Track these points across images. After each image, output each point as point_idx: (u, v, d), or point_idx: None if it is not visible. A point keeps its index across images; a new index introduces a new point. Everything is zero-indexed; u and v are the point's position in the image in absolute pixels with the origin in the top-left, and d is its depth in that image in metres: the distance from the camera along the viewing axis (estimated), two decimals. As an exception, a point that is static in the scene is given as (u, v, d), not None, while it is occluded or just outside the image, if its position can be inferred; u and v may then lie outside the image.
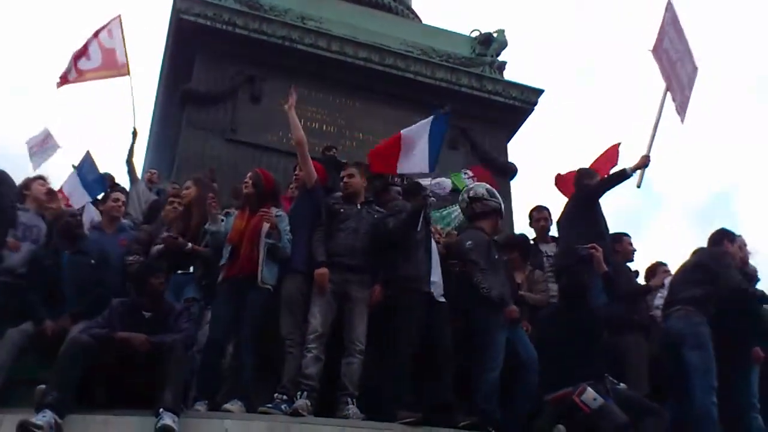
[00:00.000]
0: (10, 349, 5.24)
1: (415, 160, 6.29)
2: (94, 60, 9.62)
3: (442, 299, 5.90)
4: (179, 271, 5.99)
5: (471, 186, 6.73)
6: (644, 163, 6.97)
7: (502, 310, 5.87)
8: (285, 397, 5.27)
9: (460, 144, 10.53)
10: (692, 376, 5.81)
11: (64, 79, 9.70)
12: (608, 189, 7.16)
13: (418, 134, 6.32)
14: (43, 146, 10.44)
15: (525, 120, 11.29)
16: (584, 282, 6.15)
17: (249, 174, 6.16)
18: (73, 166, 8.56)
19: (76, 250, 6.03)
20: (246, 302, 5.56)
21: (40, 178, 6.72)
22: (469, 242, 6.10)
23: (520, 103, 11.05)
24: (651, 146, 7.03)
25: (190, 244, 6.01)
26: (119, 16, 9.77)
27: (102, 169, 8.68)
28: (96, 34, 9.74)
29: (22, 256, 6.01)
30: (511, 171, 10.72)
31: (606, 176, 7.45)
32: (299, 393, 5.25)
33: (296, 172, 6.59)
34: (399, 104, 10.16)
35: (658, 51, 7.22)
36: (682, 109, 7.28)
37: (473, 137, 10.63)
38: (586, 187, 7.24)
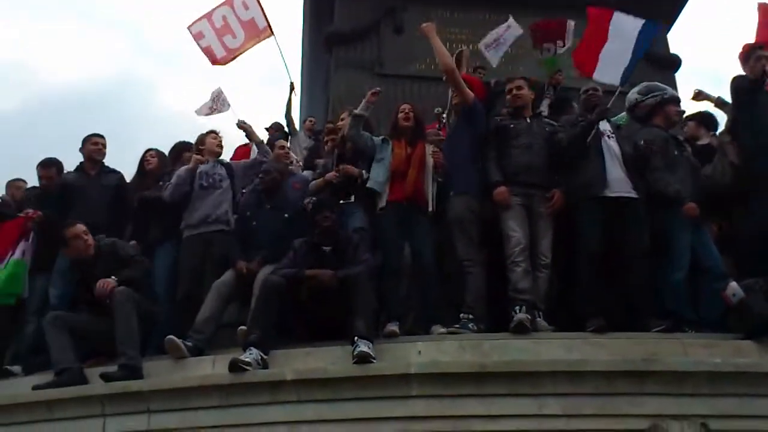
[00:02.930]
0: (216, 299, 5.60)
1: (612, 69, 6.03)
2: (239, 37, 9.55)
3: (633, 194, 5.62)
4: (341, 201, 6.03)
5: (628, 97, 6.43)
6: None
7: (681, 207, 5.58)
8: (471, 316, 5.33)
9: (616, 42, 9.96)
10: None
11: (215, 60, 9.62)
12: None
13: (623, 41, 6.03)
14: (216, 105, 10.62)
15: (683, 7, 10.49)
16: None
17: (404, 106, 6.20)
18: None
19: (273, 205, 6.21)
20: (415, 228, 5.66)
21: (213, 132, 7.05)
22: (642, 141, 5.83)
23: (677, -11, 10.29)
24: None
25: (364, 172, 6.04)
26: None
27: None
28: (232, 7, 9.65)
29: (210, 206, 6.32)
30: (674, 63, 10.05)
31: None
32: (517, 307, 5.19)
33: (452, 97, 6.52)
34: (545, 11, 9.73)
35: None
36: None
37: (629, 34, 10.01)
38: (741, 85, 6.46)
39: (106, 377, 4.99)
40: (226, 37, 9.49)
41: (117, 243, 5.96)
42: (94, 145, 6.96)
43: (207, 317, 5.49)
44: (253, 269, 5.73)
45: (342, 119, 6.64)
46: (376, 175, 5.87)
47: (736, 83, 6.39)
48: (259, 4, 9.68)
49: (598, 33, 6.18)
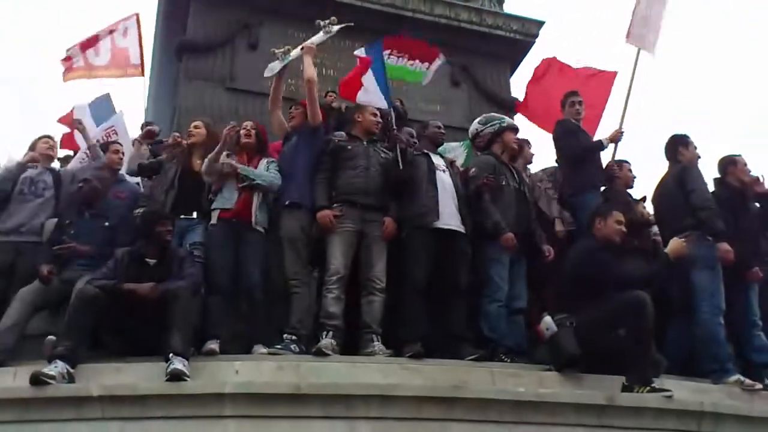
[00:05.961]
0: (20, 308, 5.28)
1: (373, 94, 6.46)
2: (103, 57, 9.15)
3: (461, 228, 5.86)
4: (182, 216, 5.91)
5: (470, 128, 6.80)
6: (617, 137, 7.06)
7: (498, 239, 5.86)
8: (294, 337, 5.34)
9: (462, 80, 10.38)
10: (699, 298, 5.79)
11: (70, 69, 9.21)
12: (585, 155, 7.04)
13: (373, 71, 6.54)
14: None
15: (527, 54, 11.08)
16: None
17: (247, 123, 6.25)
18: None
19: (93, 213, 5.95)
20: (243, 246, 5.62)
21: (46, 136, 6.76)
22: (473, 169, 6.11)
23: (522, 36, 10.77)
24: (623, 120, 7.20)
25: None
26: (137, 15, 9.42)
27: None
28: (110, 32, 9.28)
29: (26, 215, 6.03)
30: (513, 104, 10.56)
31: (584, 147, 7.08)
32: (324, 333, 5.28)
33: (291, 112, 6.55)
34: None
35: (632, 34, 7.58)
36: (653, 47, 7.56)
37: (474, 73, 10.45)
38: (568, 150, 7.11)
39: None
40: (89, 51, 9.04)
41: None
42: None
43: (9, 326, 5.15)
44: (52, 275, 5.44)
45: (197, 127, 6.42)
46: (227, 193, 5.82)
47: (559, 126, 7.12)
48: (139, 40, 9.14)
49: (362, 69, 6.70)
